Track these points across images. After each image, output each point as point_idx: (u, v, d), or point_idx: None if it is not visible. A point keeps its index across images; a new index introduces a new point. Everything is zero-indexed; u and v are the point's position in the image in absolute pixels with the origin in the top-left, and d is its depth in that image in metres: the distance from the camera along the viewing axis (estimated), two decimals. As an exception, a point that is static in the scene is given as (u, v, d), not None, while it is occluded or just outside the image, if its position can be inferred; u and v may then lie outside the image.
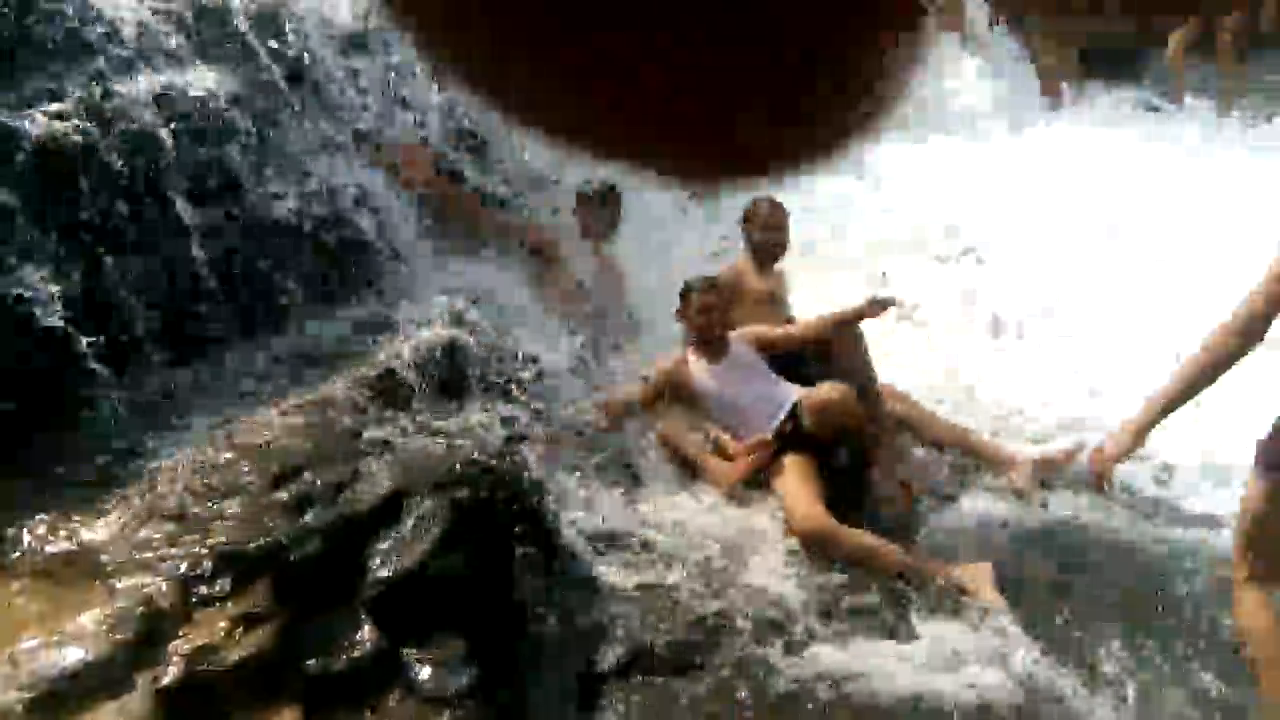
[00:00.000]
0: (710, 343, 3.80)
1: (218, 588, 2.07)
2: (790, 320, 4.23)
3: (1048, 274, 5.11)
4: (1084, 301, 4.85)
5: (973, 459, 3.58)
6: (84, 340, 2.87)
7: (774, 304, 4.29)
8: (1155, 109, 7.50)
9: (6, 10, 3.30)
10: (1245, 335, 2.29)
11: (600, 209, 4.37)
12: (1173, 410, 2.40)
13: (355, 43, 4.30)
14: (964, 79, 7.38)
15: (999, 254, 5.37)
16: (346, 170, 3.97)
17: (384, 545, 2.45)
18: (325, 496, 2.54)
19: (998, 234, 5.51)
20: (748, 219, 4.21)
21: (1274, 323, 2.30)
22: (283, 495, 2.49)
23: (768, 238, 4.17)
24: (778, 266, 4.33)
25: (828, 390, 3.40)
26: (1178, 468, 3.55)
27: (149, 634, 1.89)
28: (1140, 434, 2.44)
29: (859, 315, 3.74)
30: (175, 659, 1.85)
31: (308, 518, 2.40)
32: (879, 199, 5.91)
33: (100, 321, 2.97)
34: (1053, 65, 7.78)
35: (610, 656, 2.69)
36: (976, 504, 3.40)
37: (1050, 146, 6.57)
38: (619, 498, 3.43)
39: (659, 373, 3.98)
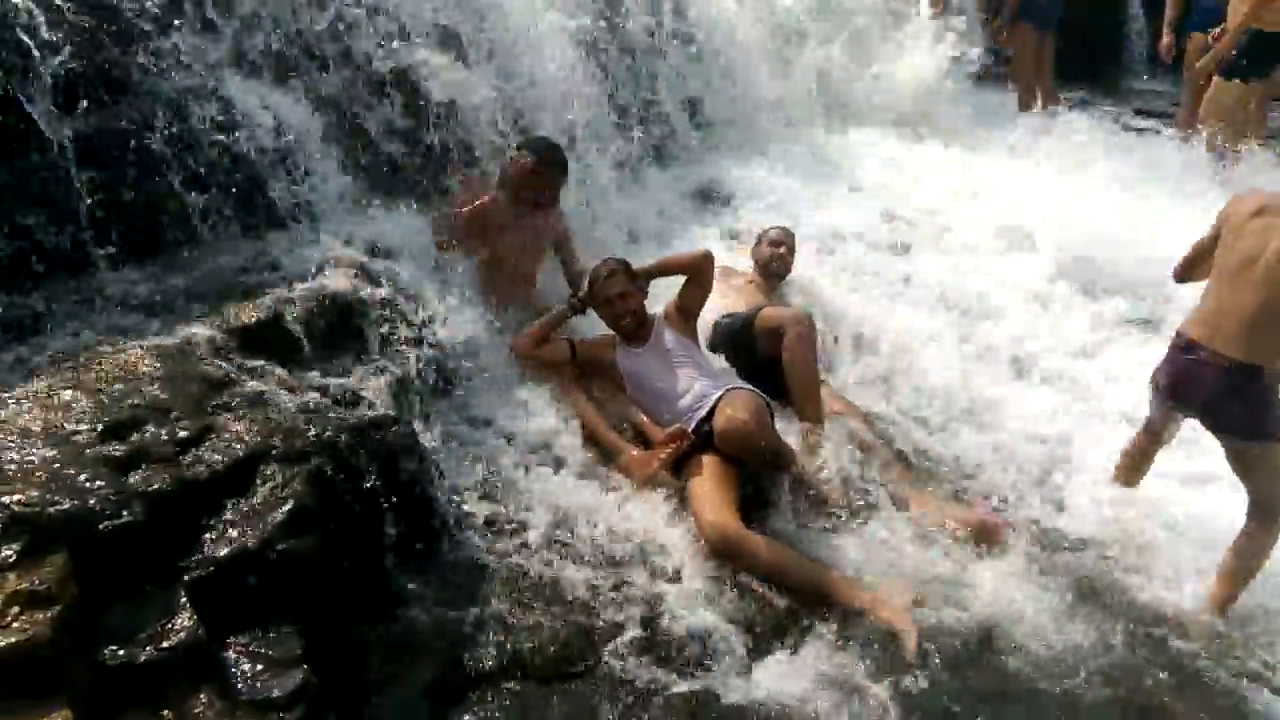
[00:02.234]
0: (622, 330, 3.55)
1: (2, 555, 1.75)
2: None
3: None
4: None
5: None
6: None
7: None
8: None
9: None
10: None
11: (551, 172, 4.04)
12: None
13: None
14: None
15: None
16: (259, 94, 3.59)
17: (224, 518, 2.15)
18: (164, 454, 2.23)
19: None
20: (757, 240, 4.54)
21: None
22: (115, 448, 2.18)
23: (769, 253, 4.43)
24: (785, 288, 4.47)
25: (736, 412, 3.13)
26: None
27: (-105, 607, 1.58)
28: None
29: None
30: (-82, 642, 1.54)
31: (134, 478, 2.09)
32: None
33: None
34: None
35: (479, 658, 2.42)
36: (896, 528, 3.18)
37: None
38: (520, 477, 3.15)
39: (584, 343, 3.72)
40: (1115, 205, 5.50)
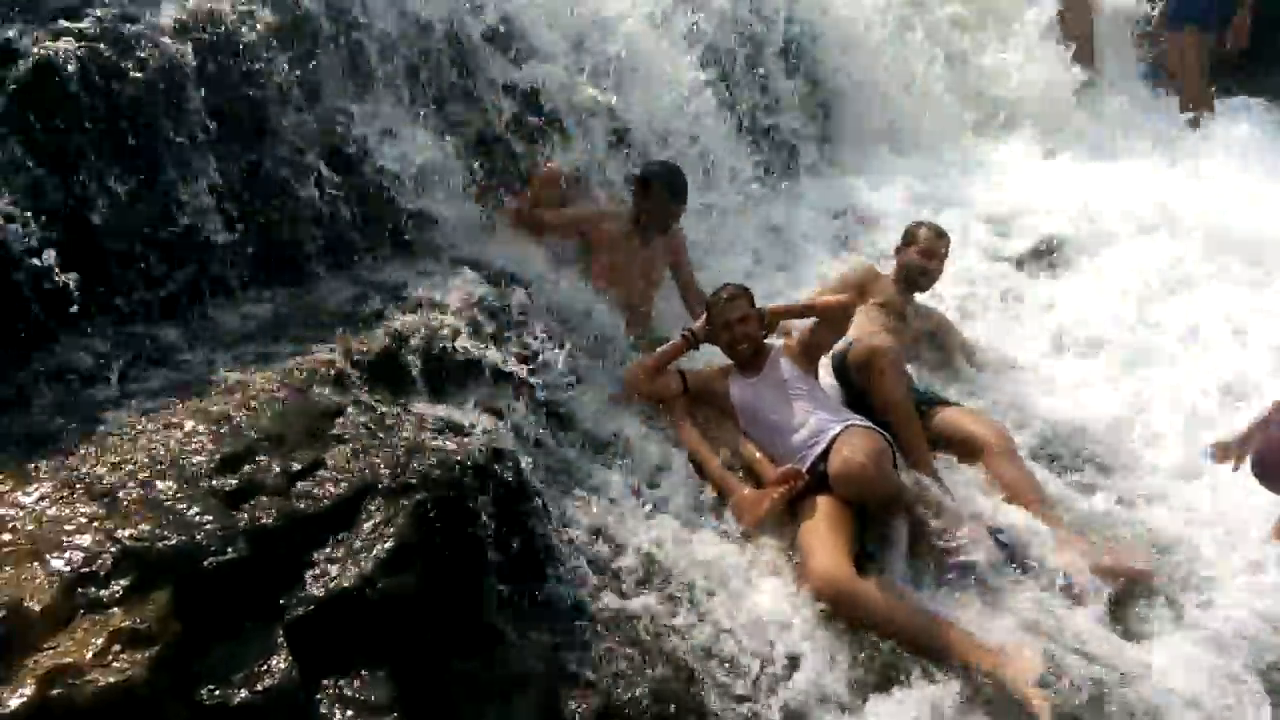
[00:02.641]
0: (738, 356, 3.43)
1: (110, 591, 1.80)
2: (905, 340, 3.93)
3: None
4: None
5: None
6: (63, 276, 2.65)
7: (901, 328, 3.97)
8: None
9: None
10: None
11: (662, 194, 3.99)
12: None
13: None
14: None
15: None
16: (384, 120, 3.68)
17: (327, 554, 2.16)
18: (275, 487, 2.26)
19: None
20: (907, 241, 4.12)
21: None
22: (228, 481, 2.22)
23: (921, 264, 4.06)
24: (924, 299, 4.20)
25: (852, 453, 2.98)
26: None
27: (6, 640, 1.63)
28: None
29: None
30: (26, 678, 1.59)
31: (242, 512, 2.12)
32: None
33: (82, 257, 2.75)
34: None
35: (576, 706, 2.35)
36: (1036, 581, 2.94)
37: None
38: (629, 516, 3.08)
39: (698, 373, 3.63)
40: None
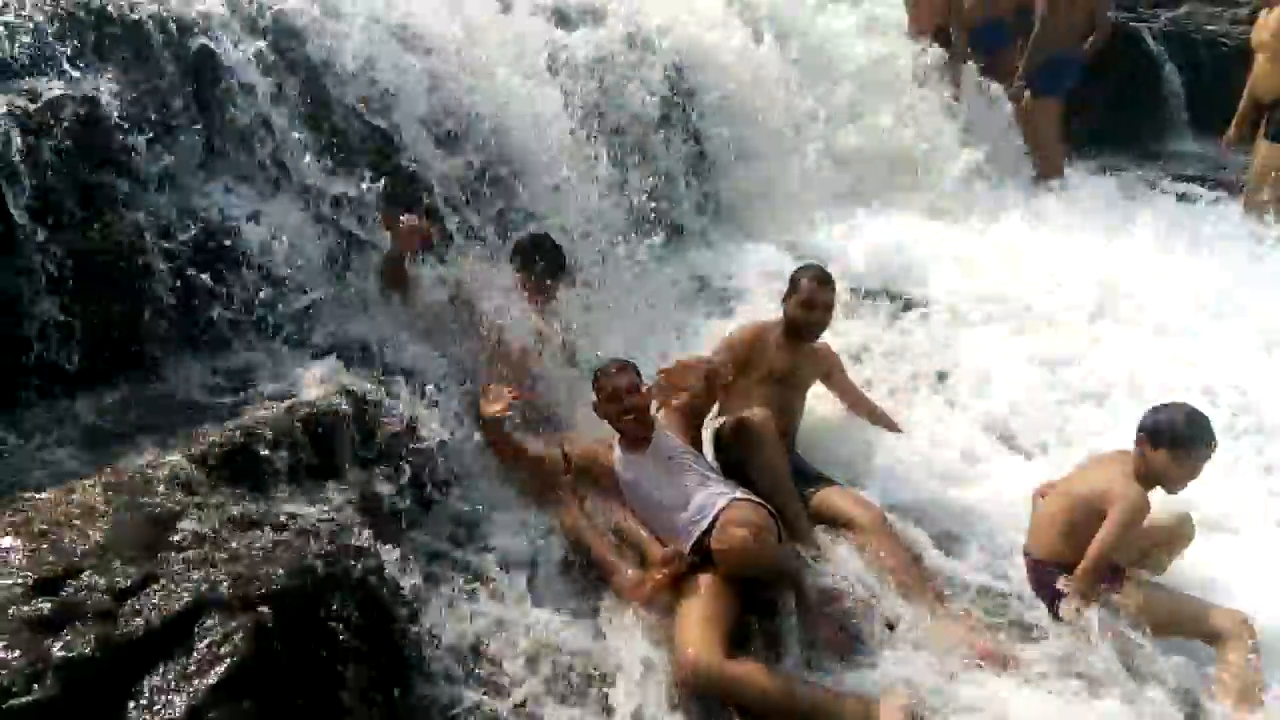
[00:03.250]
0: (625, 429, 3.36)
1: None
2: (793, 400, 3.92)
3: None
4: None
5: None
6: None
7: (790, 383, 3.91)
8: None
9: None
10: None
11: (536, 264, 3.93)
12: None
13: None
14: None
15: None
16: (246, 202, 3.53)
17: (155, 682, 1.98)
18: (101, 608, 2.07)
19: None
20: (791, 290, 3.94)
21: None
22: (43, 605, 2.03)
23: (804, 316, 3.88)
24: (814, 344, 4.03)
25: (734, 528, 2.93)
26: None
27: None
28: None
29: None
30: None
31: (57, 643, 1.93)
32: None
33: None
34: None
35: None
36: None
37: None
38: (502, 604, 2.95)
39: (580, 449, 3.54)
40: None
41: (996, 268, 5.64)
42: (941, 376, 4.62)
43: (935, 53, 7.15)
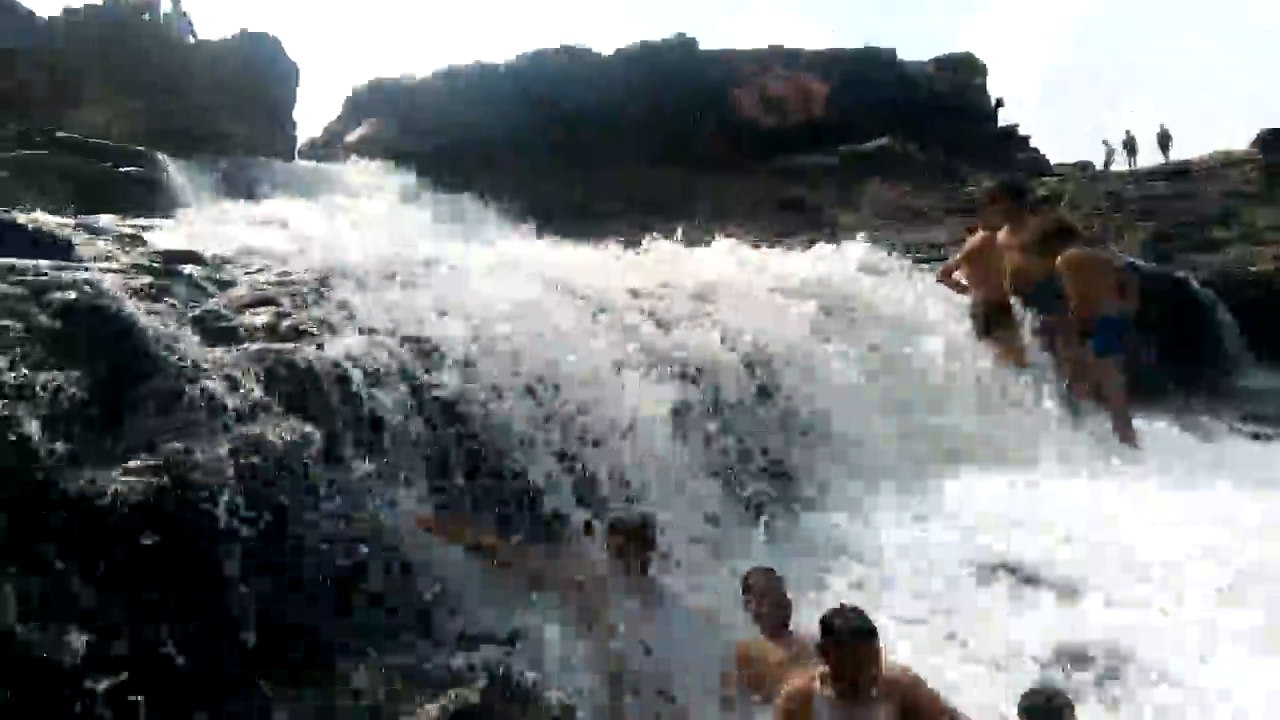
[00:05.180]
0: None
1: None
2: None
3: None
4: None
5: None
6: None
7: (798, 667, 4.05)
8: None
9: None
10: None
11: (632, 542, 4.33)
12: None
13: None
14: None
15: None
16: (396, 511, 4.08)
17: None
18: None
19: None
20: (745, 592, 4.29)
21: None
22: None
23: (766, 610, 4.19)
24: (795, 628, 4.22)
25: None
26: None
27: None
28: None
29: None
30: None
31: None
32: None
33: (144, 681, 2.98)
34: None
35: None
36: None
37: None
38: None
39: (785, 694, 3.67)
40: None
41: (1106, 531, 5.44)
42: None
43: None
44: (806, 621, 4.12)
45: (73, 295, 3.72)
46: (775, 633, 4.18)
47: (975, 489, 6.03)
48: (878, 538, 5.37)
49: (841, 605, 3.68)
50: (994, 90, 22.81)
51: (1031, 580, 4.91)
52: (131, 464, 3.33)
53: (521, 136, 18.29)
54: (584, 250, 9.42)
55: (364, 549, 3.84)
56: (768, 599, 4.22)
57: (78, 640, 2.85)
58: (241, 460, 3.55)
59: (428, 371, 4.68)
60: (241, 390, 3.91)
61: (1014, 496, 5.92)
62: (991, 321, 8.13)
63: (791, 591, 4.35)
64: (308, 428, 3.91)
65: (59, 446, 3.21)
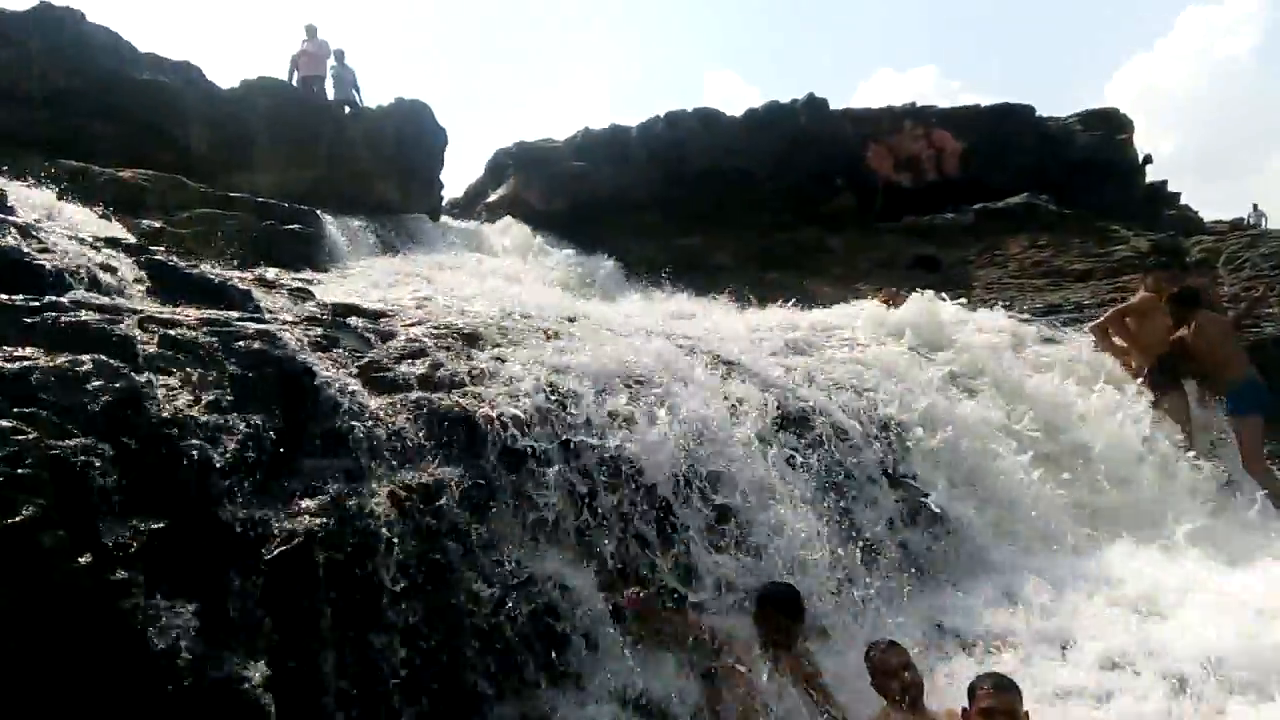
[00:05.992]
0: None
1: None
2: None
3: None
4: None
5: None
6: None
7: None
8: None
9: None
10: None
11: (781, 617, 4.32)
12: None
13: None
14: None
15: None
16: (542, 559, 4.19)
17: None
18: None
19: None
20: (872, 672, 4.14)
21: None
22: None
23: (892, 685, 4.05)
24: (932, 705, 4.12)
25: None
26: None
27: None
28: None
29: None
30: None
31: None
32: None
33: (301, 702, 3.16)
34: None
35: None
36: None
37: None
38: None
39: None
40: None
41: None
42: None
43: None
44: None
45: (257, 345, 4.02)
46: (913, 710, 4.06)
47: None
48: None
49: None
50: (1140, 146, 21.93)
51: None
52: (304, 503, 3.56)
53: (653, 196, 18.66)
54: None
55: (511, 600, 3.98)
56: (889, 673, 4.08)
57: (254, 669, 3.03)
58: (403, 503, 3.75)
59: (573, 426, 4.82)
60: (404, 436, 4.14)
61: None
62: (1155, 384, 7.92)
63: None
64: (460, 471, 4.09)
65: (243, 483, 3.45)
